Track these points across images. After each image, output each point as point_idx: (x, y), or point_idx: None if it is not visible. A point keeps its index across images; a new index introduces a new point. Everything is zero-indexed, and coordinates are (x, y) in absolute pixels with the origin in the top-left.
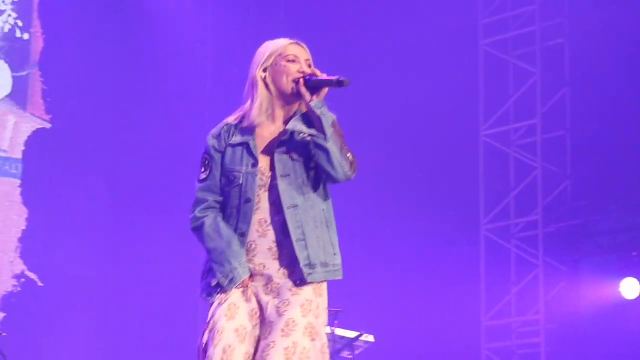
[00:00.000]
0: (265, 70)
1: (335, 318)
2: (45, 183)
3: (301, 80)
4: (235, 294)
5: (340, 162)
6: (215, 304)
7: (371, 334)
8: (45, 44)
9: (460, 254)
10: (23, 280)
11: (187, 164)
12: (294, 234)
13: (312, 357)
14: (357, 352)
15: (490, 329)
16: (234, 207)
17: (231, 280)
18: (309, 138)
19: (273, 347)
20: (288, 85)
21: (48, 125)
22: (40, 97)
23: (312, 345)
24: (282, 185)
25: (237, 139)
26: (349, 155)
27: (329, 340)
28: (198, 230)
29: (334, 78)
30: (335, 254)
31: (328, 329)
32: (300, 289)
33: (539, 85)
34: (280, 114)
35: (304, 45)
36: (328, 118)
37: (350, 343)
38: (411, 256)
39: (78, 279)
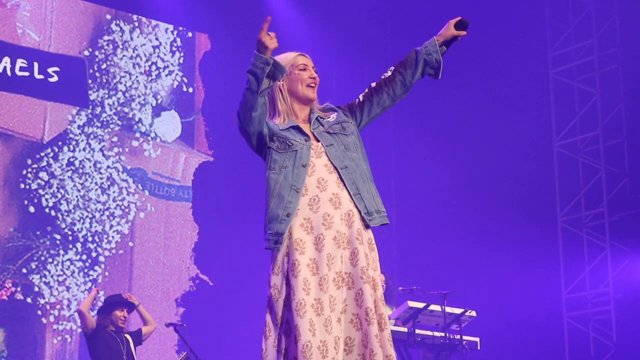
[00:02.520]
0: (281, 80)
1: (445, 298)
2: (211, 204)
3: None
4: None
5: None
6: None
7: (474, 309)
8: (205, 95)
9: (543, 242)
10: (197, 281)
11: None
12: (350, 189)
13: (381, 304)
14: (463, 325)
15: (569, 300)
16: (287, 167)
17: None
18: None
19: (362, 293)
20: (302, 90)
21: (211, 159)
22: (204, 137)
23: (377, 294)
24: (330, 152)
25: (284, 125)
26: None
27: (441, 317)
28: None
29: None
30: (381, 202)
31: (439, 307)
32: (362, 234)
33: (599, 103)
34: (300, 113)
35: (308, 55)
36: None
37: (457, 318)
38: (506, 246)
39: (242, 279)
